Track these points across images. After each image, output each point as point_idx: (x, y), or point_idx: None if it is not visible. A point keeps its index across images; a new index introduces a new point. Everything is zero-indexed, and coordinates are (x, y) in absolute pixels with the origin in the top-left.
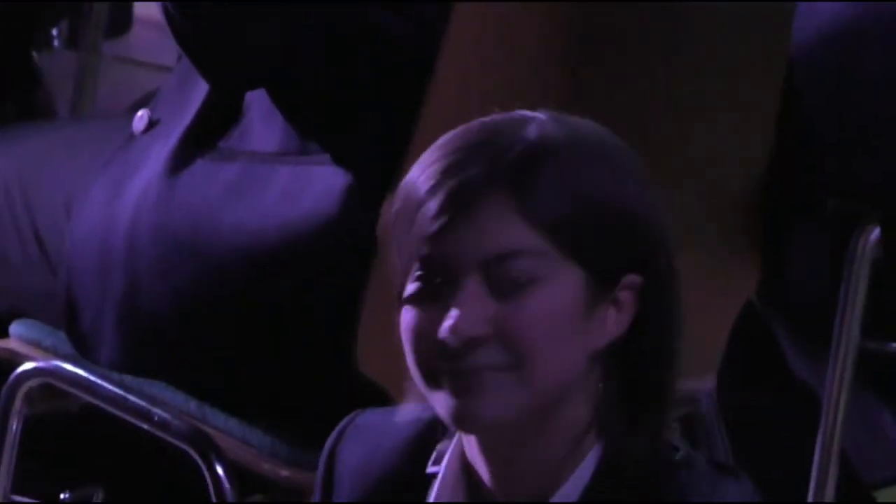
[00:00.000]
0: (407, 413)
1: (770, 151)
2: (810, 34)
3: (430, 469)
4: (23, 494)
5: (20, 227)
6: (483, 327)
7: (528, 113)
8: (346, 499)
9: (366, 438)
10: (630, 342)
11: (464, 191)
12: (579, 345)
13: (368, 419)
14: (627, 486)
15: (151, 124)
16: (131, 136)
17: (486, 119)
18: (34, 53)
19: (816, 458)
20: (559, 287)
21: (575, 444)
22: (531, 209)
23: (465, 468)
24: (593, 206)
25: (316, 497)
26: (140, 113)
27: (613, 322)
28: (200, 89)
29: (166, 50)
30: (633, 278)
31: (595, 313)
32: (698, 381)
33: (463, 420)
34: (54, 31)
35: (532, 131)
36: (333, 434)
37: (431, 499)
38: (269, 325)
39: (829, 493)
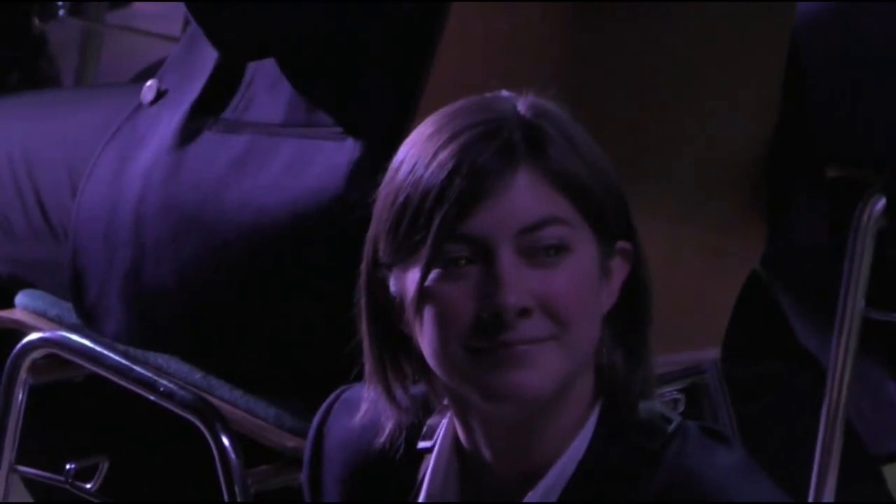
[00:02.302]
0: None
1: (774, 121)
2: (813, 4)
3: (420, 444)
4: (27, 465)
5: (24, 196)
6: (529, 298)
7: (498, 93)
8: (336, 473)
9: (354, 413)
10: (622, 306)
11: (488, 168)
12: (598, 311)
13: (356, 394)
14: (624, 452)
15: (159, 95)
16: (139, 107)
17: (469, 100)
18: (38, 22)
19: (821, 428)
20: (585, 253)
21: (581, 413)
22: (555, 176)
23: (457, 443)
24: (597, 170)
25: (304, 472)
26: (149, 83)
27: (611, 288)
28: (208, 59)
29: (169, 19)
30: (624, 244)
31: (602, 280)
32: (703, 352)
33: (508, 395)
34: (59, 1)
35: (522, 106)
36: (321, 409)
37: (427, 474)
38: (274, 300)
39: (834, 465)
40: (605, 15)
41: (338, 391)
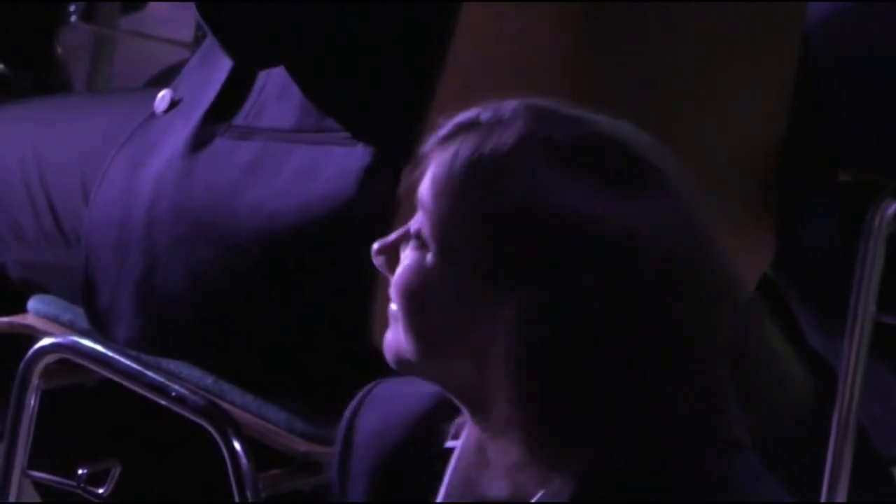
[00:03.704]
0: (426, 384)
1: (786, 124)
2: (825, 7)
3: (449, 443)
4: (39, 470)
5: (35, 201)
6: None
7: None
8: (364, 467)
9: (384, 408)
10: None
11: None
12: (450, 329)
13: (388, 389)
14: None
15: (173, 104)
16: (152, 115)
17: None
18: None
19: (832, 432)
20: (436, 262)
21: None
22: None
23: (482, 444)
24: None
25: (334, 465)
26: (162, 93)
27: (504, 332)
28: (222, 69)
29: (181, 25)
30: (519, 294)
31: (478, 311)
32: None
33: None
34: (71, 6)
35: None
36: (352, 403)
37: (448, 473)
38: (285, 304)
39: (846, 468)
40: (617, 16)
41: (370, 385)
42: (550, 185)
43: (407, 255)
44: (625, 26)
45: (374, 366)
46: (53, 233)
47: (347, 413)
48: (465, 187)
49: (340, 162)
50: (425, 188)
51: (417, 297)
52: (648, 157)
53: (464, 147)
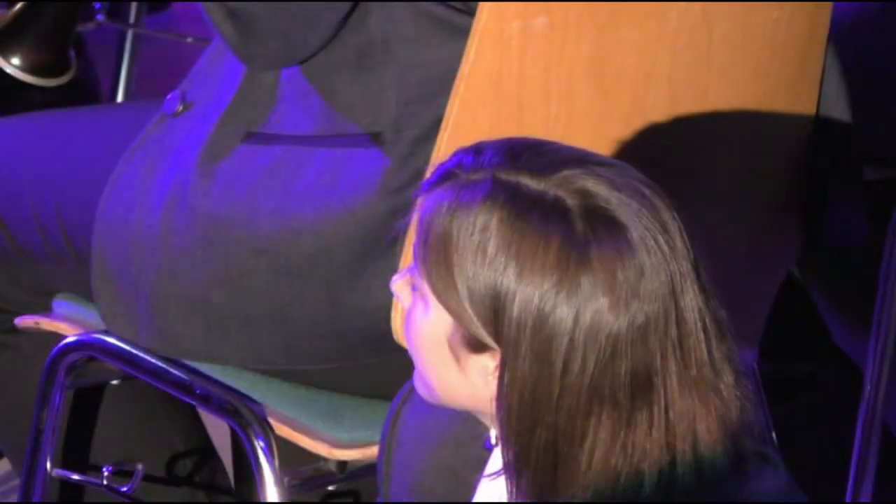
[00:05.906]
0: None
1: (812, 123)
2: (850, 7)
3: (487, 444)
4: (64, 468)
5: (41, 219)
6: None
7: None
8: (407, 460)
9: (429, 403)
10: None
11: None
12: (450, 371)
13: None
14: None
15: (184, 107)
16: (162, 118)
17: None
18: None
19: (858, 430)
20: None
21: None
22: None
23: None
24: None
25: (380, 452)
26: (170, 95)
27: (493, 381)
28: (234, 71)
29: (207, 23)
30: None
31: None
32: (741, 354)
33: None
34: (97, 5)
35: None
36: (398, 395)
37: (484, 471)
38: (307, 305)
39: (871, 467)
40: (641, 12)
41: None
42: (507, 255)
43: (412, 298)
44: (649, 22)
45: (395, 363)
46: (65, 249)
47: (394, 404)
48: (440, 244)
49: (361, 164)
50: (414, 237)
51: (418, 343)
52: (609, 215)
53: (441, 201)
